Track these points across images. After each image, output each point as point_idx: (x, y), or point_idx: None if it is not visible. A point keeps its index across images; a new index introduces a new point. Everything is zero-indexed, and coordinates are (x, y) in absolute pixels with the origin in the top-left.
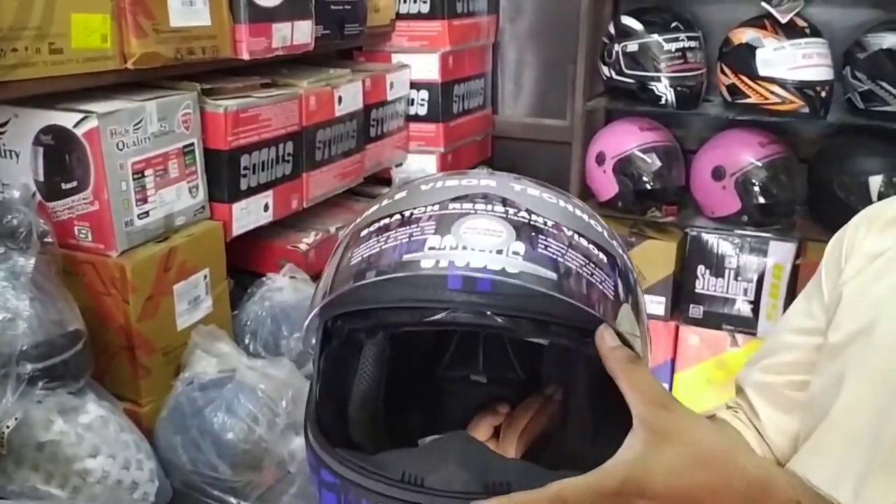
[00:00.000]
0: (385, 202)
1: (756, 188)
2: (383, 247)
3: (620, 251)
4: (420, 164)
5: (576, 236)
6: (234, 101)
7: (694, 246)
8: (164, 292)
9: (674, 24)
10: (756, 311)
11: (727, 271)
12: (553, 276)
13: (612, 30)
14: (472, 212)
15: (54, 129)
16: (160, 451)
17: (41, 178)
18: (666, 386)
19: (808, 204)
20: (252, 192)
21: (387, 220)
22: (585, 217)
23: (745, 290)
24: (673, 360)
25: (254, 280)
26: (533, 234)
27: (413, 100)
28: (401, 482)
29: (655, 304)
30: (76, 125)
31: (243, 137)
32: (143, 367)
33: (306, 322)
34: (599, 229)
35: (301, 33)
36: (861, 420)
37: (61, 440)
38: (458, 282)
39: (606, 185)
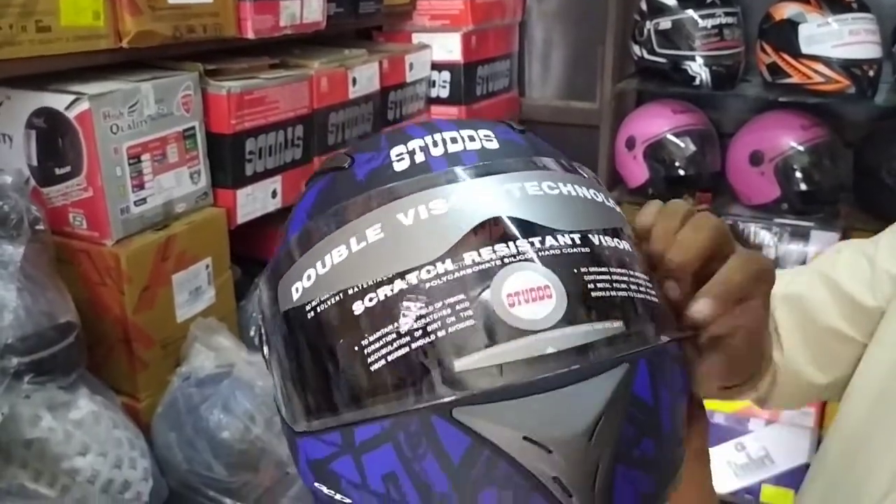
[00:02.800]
0: (358, 245)
1: (797, 174)
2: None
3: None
4: None
5: (607, 239)
6: (238, 82)
7: None
8: (161, 283)
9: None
10: None
11: None
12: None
13: (643, 6)
14: (507, 263)
15: (46, 111)
16: (156, 448)
17: (35, 163)
18: None
19: (853, 191)
20: (258, 177)
21: (383, 297)
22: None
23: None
24: None
25: (263, 269)
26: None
27: (434, 81)
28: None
29: None
30: (68, 107)
31: (248, 120)
32: (141, 360)
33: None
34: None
35: (311, 11)
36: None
37: (49, 437)
38: (444, 164)
39: (636, 170)
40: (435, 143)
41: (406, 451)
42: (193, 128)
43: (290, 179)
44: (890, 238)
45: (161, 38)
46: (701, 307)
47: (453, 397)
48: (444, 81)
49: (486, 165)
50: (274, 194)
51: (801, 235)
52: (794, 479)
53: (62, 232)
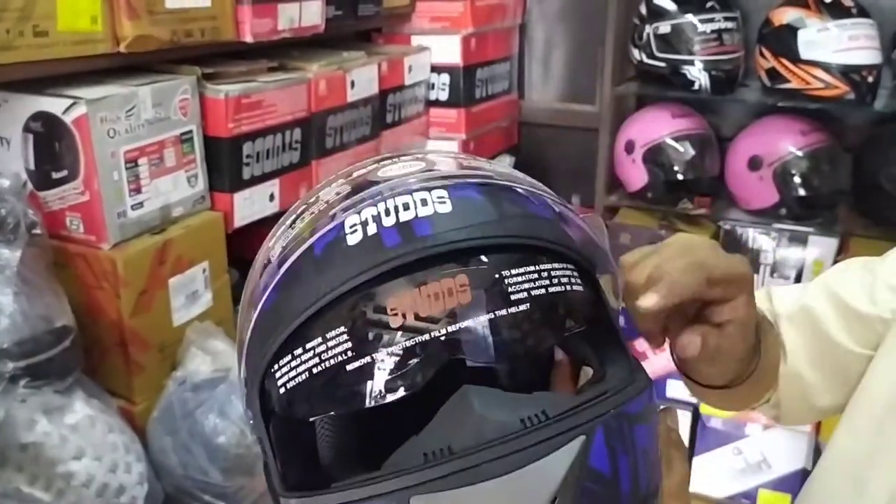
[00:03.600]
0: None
1: (796, 179)
2: (290, 264)
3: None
4: None
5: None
6: (236, 85)
7: (728, 240)
8: (158, 286)
9: (709, 4)
10: None
11: (763, 267)
12: (489, 206)
13: (643, 10)
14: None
15: (43, 115)
16: (152, 452)
17: (32, 167)
18: None
19: (852, 196)
20: (256, 181)
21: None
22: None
23: None
24: None
25: None
26: (447, 180)
27: (433, 84)
28: (425, 465)
29: None
30: (65, 112)
31: (246, 124)
32: (137, 364)
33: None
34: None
35: (310, 14)
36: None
37: (45, 441)
38: (395, 235)
39: (635, 174)
40: (387, 212)
41: None
42: (191, 132)
43: (288, 183)
44: None
45: (159, 42)
46: (646, 301)
47: (404, 485)
48: (444, 84)
49: (438, 242)
50: (272, 198)
51: (800, 240)
52: (791, 483)
53: (59, 236)
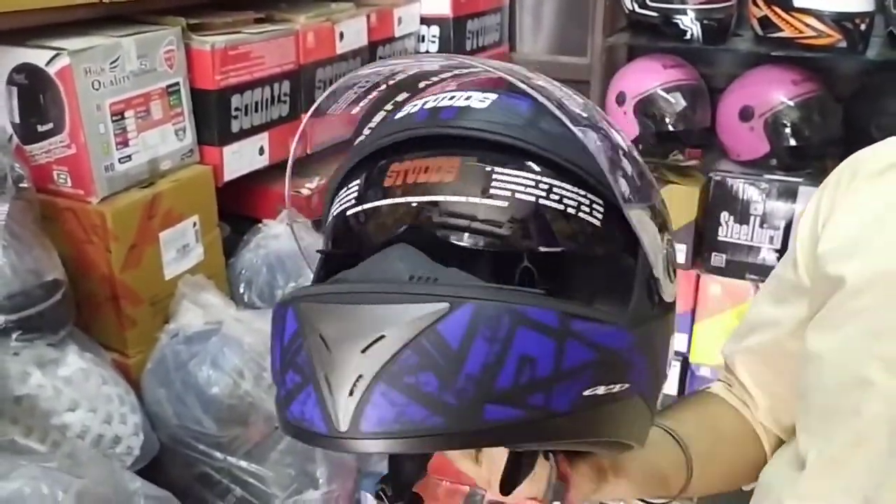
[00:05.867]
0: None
1: (787, 129)
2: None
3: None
4: None
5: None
6: (222, 37)
7: (717, 191)
8: (148, 241)
9: None
10: None
11: (752, 218)
12: (525, 115)
13: None
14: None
15: (27, 67)
16: (147, 404)
17: (17, 120)
18: (685, 337)
19: (842, 147)
20: (245, 134)
21: None
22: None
23: (772, 238)
24: (693, 311)
25: (253, 227)
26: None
27: (423, 36)
28: (321, 284)
29: (676, 253)
30: (48, 63)
31: (234, 76)
32: (129, 317)
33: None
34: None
35: None
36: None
37: (39, 394)
38: (425, 114)
39: (627, 126)
40: (436, 100)
41: (276, 327)
42: (177, 84)
43: (278, 136)
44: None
45: None
46: None
47: (300, 294)
48: (434, 36)
49: (453, 123)
50: (261, 151)
51: (790, 192)
52: None
53: (47, 190)
